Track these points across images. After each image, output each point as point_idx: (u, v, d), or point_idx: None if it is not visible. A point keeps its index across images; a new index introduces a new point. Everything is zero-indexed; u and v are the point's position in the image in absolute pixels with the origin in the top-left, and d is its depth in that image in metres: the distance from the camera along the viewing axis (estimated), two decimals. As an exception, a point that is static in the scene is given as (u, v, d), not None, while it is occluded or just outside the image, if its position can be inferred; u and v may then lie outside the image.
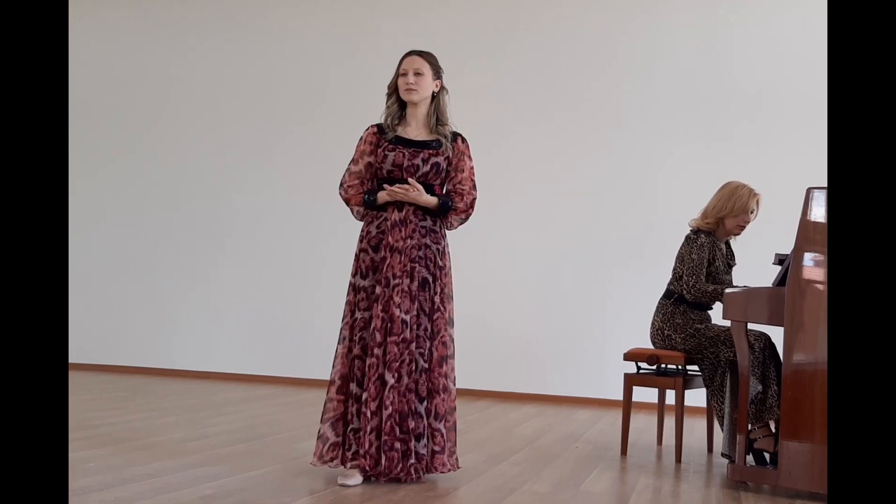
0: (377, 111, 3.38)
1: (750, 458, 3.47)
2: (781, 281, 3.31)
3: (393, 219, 3.17)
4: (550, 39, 6.57)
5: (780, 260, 3.78)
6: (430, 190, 3.19)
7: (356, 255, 3.23)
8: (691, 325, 3.91)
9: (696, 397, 4.69)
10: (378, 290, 3.11)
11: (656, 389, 4.42)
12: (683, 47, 6.32)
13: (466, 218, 3.30)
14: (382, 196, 3.18)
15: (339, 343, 3.19)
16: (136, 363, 7.17)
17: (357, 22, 6.98)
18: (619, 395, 4.25)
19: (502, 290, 6.44)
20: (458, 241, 3.83)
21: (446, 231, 3.31)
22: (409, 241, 3.15)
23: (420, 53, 3.24)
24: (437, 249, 3.21)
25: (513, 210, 6.45)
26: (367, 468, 3.02)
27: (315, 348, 6.38)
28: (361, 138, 3.28)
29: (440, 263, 3.21)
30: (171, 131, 7.32)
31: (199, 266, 7.17)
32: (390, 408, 3.02)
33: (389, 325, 3.07)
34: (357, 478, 3.03)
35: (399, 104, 3.26)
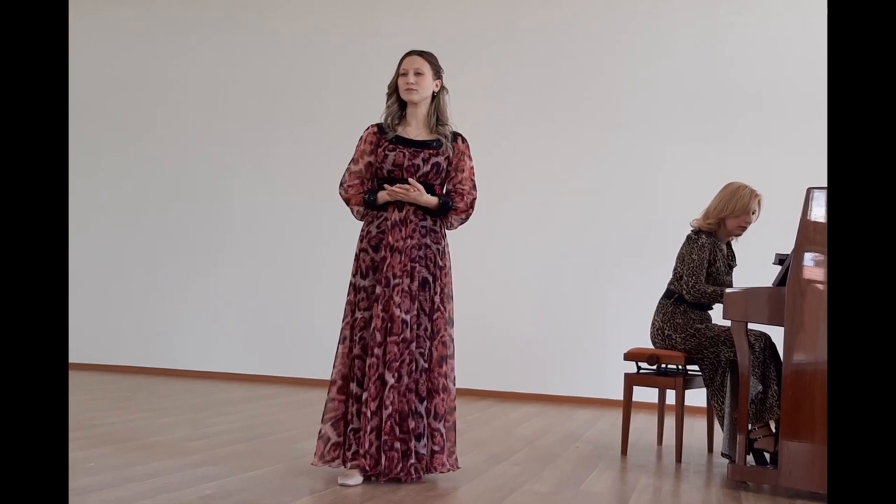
0: (377, 111, 3.37)
1: (750, 458, 3.47)
2: (782, 281, 3.31)
3: (393, 218, 3.16)
4: (550, 39, 6.57)
5: (781, 260, 3.78)
6: (430, 190, 3.19)
7: (356, 254, 3.23)
8: (691, 325, 3.91)
9: (697, 397, 4.69)
10: (378, 289, 3.11)
11: (656, 389, 4.42)
12: (683, 47, 6.32)
13: (467, 218, 3.30)
14: (383, 196, 3.18)
15: (339, 343, 3.19)
16: (137, 363, 7.17)
17: (356, 21, 6.98)
18: (620, 395, 4.25)
19: (502, 289, 6.44)
20: (459, 241, 3.83)
21: (446, 231, 3.31)
22: (409, 240, 3.15)
23: (420, 53, 3.24)
24: (438, 249, 3.21)
25: (513, 210, 6.45)
26: (367, 468, 3.02)
27: (315, 348, 6.38)
28: (361, 138, 3.28)
29: (440, 263, 3.21)
30: (171, 130, 7.32)
31: (200, 265, 7.17)
32: (390, 408, 3.02)
33: (389, 324, 3.07)
34: (357, 478, 3.03)
35: (399, 104, 3.26)
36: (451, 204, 3.23)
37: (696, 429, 4.90)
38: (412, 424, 3.06)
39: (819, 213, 3.09)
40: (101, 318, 7.26)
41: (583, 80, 6.49)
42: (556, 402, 6.15)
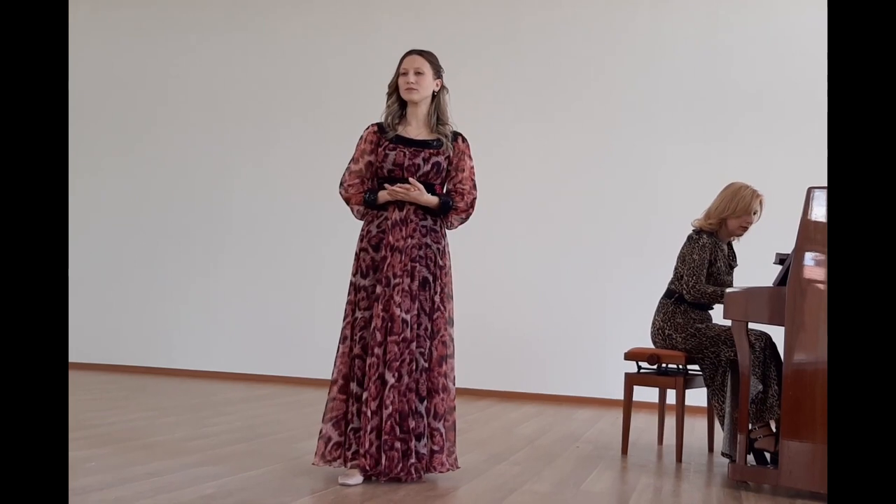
0: (377, 110, 3.37)
1: (750, 458, 3.47)
2: (782, 280, 3.31)
3: (393, 218, 3.16)
4: (550, 39, 6.56)
5: (781, 259, 3.78)
6: (430, 189, 3.19)
7: (356, 254, 3.23)
8: (692, 325, 3.91)
9: (697, 397, 4.69)
10: (378, 289, 3.11)
11: (657, 389, 4.42)
12: (683, 47, 6.32)
13: (467, 217, 3.30)
14: (383, 195, 3.17)
15: (340, 342, 3.19)
16: (136, 363, 7.17)
17: (356, 21, 6.98)
18: (620, 395, 4.25)
19: (502, 289, 6.44)
20: (459, 240, 3.83)
21: (446, 231, 3.31)
22: (409, 240, 3.15)
23: (421, 53, 3.24)
24: (438, 249, 3.21)
25: (513, 210, 6.45)
26: (368, 468, 3.02)
27: (315, 348, 6.38)
28: (362, 137, 3.28)
29: (440, 263, 3.21)
30: (171, 130, 7.32)
31: (199, 265, 7.17)
32: (390, 407, 3.02)
33: (390, 324, 3.07)
34: (357, 477, 3.03)
35: (399, 103, 3.26)
36: (452, 203, 3.23)
37: (696, 428, 4.90)
38: (412, 424, 3.06)
39: (820, 212, 3.09)
40: (101, 318, 7.26)
41: (583, 80, 6.49)
42: (557, 402, 6.15)
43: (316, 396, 5.44)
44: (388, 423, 3.01)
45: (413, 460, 3.05)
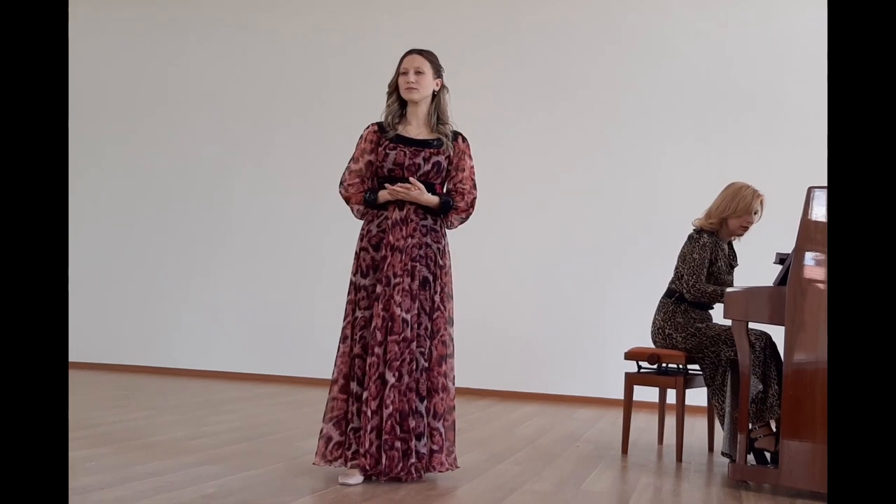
0: (377, 110, 3.37)
1: (751, 458, 3.47)
2: (782, 280, 3.31)
3: (394, 217, 3.16)
4: (550, 38, 6.56)
5: (781, 259, 3.78)
6: (430, 189, 3.19)
7: (356, 253, 3.23)
8: (692, 325, 3.91)
9: (697, 396, 4.69)
10: (379, 288, 3.11)
11: (657, 388, 4.42)
12: (683, 46, 6.32)
13: (467, 217, 3.30)
14: (383, 195, 3.17)
15: (340, 342, 3.19)
16: (137, 362, 7.17)
17: (356, 20, 6.98)
18: (620, 395, 4.24)
19: (502, 289, 6.44)
20: (459, 240, 3.83)
21: (446, 230, 3.31)
22: (409, 239, 3.15)
23: (421, 52, 3.24)
24: (438, 248, 3.21)
25: (513, 209, 6.45)
26: (368, 467, 3.02)
27: (315, 348, 6.38)
28: (362, 136, 3.28)
29: (440, 262, 3.21)
30: (171, 130, 7.32)
31: (199, 264, 7.17)
32: (391, 407, 3.02)
33: (390, 323, 3.07)
34: (358, 477, 3.03)
35: (399, 103, 3.26)
36: (452, 203, 3.23)
37: (696, 428, 4.89)
38: (413, 424, 3.06)
39: (820, 212, 3.09)
40: (101, 318, 7.26)
41: (582, 80, 6.48)
42: (557, 402, 6.15)
43: (316, 396, 5.44)
44: (389, 422, 3.01)
45: (413, 460, 3.05)
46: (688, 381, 3.95)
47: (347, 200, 3.28)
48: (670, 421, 4.40)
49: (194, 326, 7.11)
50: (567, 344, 6.28)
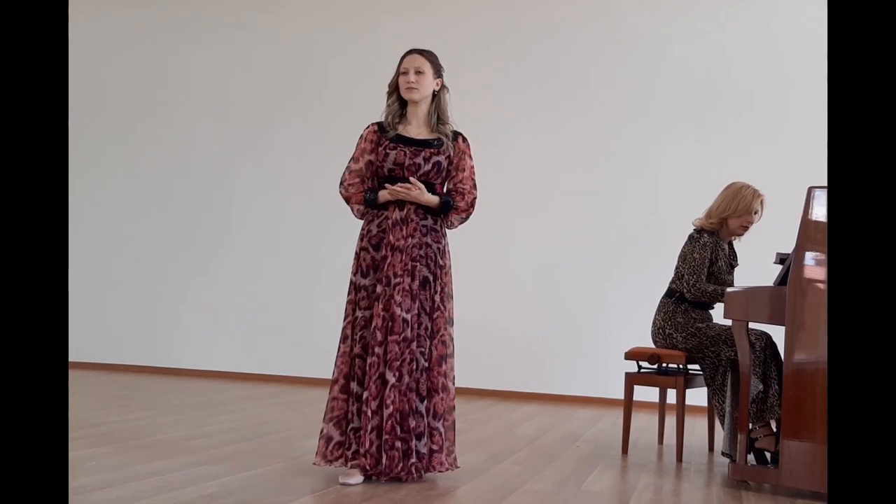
0: (377, 109, 3.37)
1: (751, 458, 3.47)
2: (783, 280, 3.31)
3: (394, 217, 3.16)
4: (550, 38, 6.56)
5: (782, 259, 3.78)
6: (431, 189, 3.19)
7: (356, 253, 3.23)
8: (692, 325, 3.91)
9: (698, 396, 4.69)
10: (379, 288, 3.11)
11: (657, 388, 4.42)
12: (683, 46, 6.32)
13: (467, 217, 3.30)
14: (384, 195, 3.17)
15: (341, 342, 3.18)
16: (137, 362, 7.18)
17: (356, 20, 6.98)
18: (620, 395, 4.24)
19: (502, 289, 6.44)
20: (459, 240, 3.82)
21: (446, 230, 3.31)
22: (410, 239, 3.15)
23: (421, 52, 3.24)
24: (438, 248, 3.21)
25: (513, 209, 6.45)
26: (368, 467, 3.02)
27: (315, 348, 6.38)
28: (362, 136, 3.28)
29: (441, 262, 3.21)
30: (171, 130, 7.32)
31: (199, 264, 7.17)
32: (391, 407, 3.02)
33: (390, 323, 3.07)
34: (358, 477, 3.03)
35: (400, 102, 3.26)
36: (452, 203, 3.23)
37: (696, 428, 4.89)
38: (413, 423, 3.06)
39: (820, 212, 3.09)
40: (101, 318, 7.26)
41: (582, 80, 6.48)
42: (557, 402, 6.15)
43: (316, 396, 5.44)
44: (389, 422, 3.01)
45: (414, 460, 3.05)
46: (688, 381, 3.95)
47: (347, 200, 3.28)
48: (670, 421, 4.40)
49: (194, 326, 7.11)
50: (567, 344, 6.28)
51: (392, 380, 3.03)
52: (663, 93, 6.31)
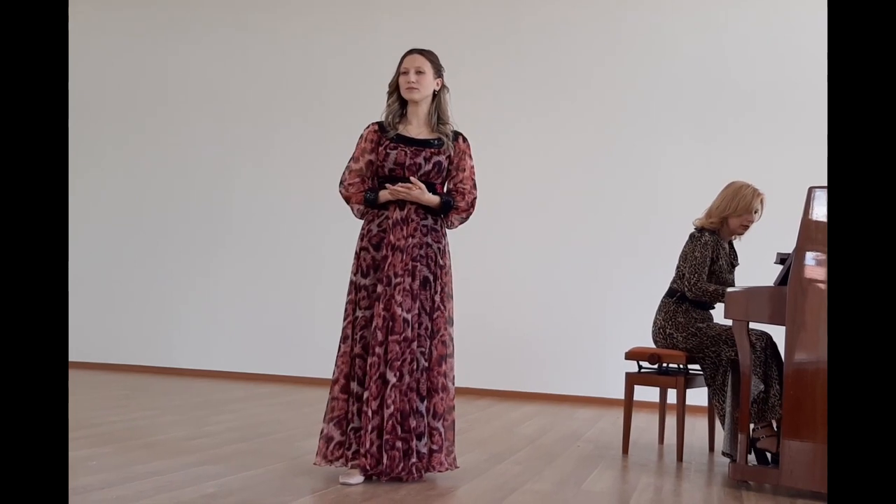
0: (377, 109, 3.37)
1: (751, 457, 3.47)
2: (783, 280, 3.31)
3: (394, 217, 3.16)
4: (550, 38, 6.56)
5: (782, 259, 3.78)
6: (431, 189, 3.19)
7: (357, 253, 3.23)
8: (693, 324, 3.91)
9: (698, 396, 4.69)
10: (379, 288, 3.11)
11: (658, 388, 4.41)
12: (683, 46, 6.32)
13: (467, 217, 3.31)
14: (384, 195, 3.17)
15: (341, 342, 3.18)
16: (137, 362, 7.18)
17: (356, 20, 6.98)
18: (621, 394, 4.24)
19: (502, 289, 6.44)
20: (459, 240, 3.83)
21: (447, 230, 3.31)
22: (410, 239, 3.15)
23: (421, 52, 3.24)
24: (438, 248, 3.21)
25: (513, 209, 6.45)
26: (368, 467, 3.02)
27: (315, 348, 6.39)
28: (362, 136, 3.28)
29: (441, 262, 3.21)
30: (171, 130, 7.32)
31: (199, 264, 7.17)
32: (392, 407, 3.02)
33: (391, 323, 3.07)
34: (358, 477, 3.03)
35: (400, 102, 3.26)
36: (453, 203, 3.23)
37: (697, 428, 4.89)
38: (413, 423, 3.05)
39: (821, 212, 3.09)
40: (101, 318, 7.26)
41: (582, 80, 6.48)
42: (557, 402, 6.15)
43: (316, 396, 5.44)
44: (390, 422, 3.01)
45: (414, 460, 3.05)
46: (688, 381, 3.95)
47: (348, 200, 3.28)
48: (671, 421, 4.40)
49: (194, 326, 7.11)
50: (567, 344, 6.28)
51: (393, 380, 3.03)
52: (663, 93, 6.31)
